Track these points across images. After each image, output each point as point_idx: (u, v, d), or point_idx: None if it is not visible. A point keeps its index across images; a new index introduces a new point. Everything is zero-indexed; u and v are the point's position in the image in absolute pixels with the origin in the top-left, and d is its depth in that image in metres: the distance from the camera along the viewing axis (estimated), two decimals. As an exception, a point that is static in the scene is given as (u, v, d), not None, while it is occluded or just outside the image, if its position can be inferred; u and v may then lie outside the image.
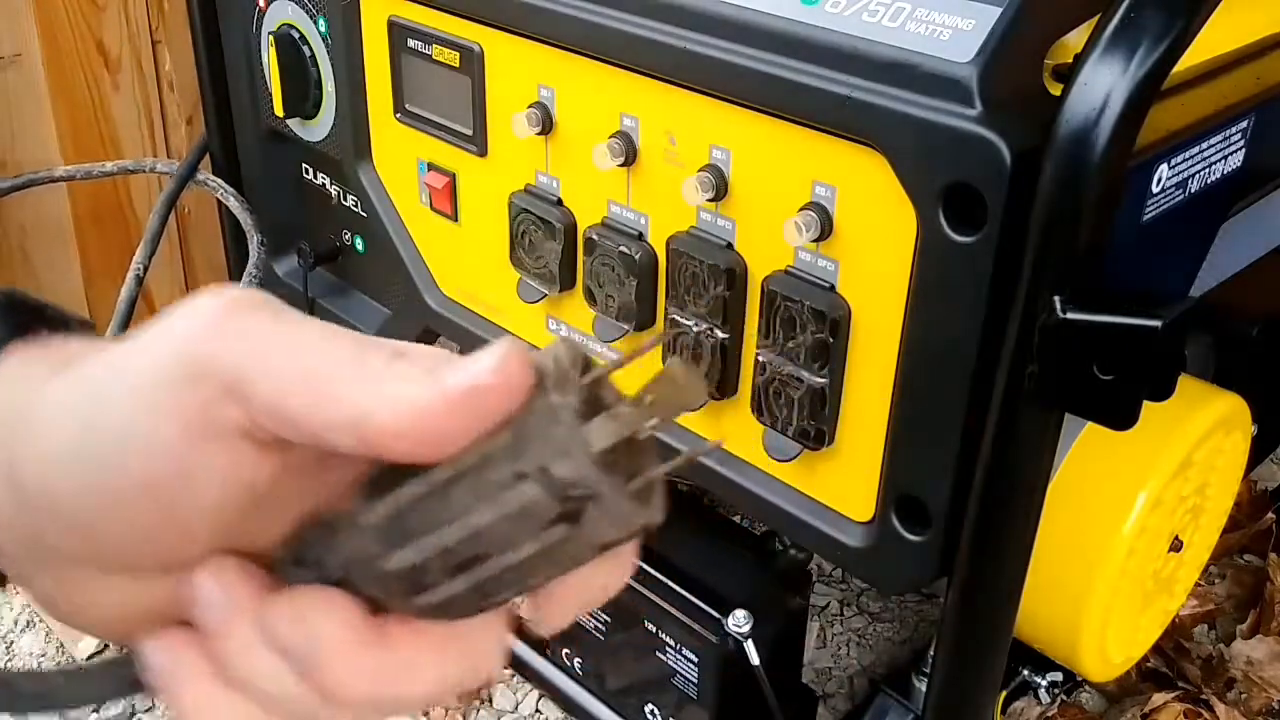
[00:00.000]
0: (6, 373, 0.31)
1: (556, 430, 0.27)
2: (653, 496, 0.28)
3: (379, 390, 0.26)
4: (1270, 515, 1.29)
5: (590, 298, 0.76)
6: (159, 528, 0.29)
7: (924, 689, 0.93)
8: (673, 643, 0.93)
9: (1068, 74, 0.53)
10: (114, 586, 0.30)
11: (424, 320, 0.93)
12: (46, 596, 0.31)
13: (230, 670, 0.29)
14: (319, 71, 0.94)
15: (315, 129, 0.97)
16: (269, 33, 0.96)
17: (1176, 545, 0.79)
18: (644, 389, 0.28)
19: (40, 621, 1.36)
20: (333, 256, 1.04)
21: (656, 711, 0.98)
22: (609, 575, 0.30)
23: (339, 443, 0.27)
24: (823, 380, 0.64)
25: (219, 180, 1.08)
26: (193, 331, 0.28)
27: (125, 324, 1.05)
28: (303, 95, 0.95)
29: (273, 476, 0.29)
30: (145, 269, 1.06)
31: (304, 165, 1.03)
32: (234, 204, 1.06)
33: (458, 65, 0.80)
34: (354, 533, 0.29)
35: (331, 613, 0.29)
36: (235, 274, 1.18)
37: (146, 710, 1.13)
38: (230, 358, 0.27)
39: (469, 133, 0.81)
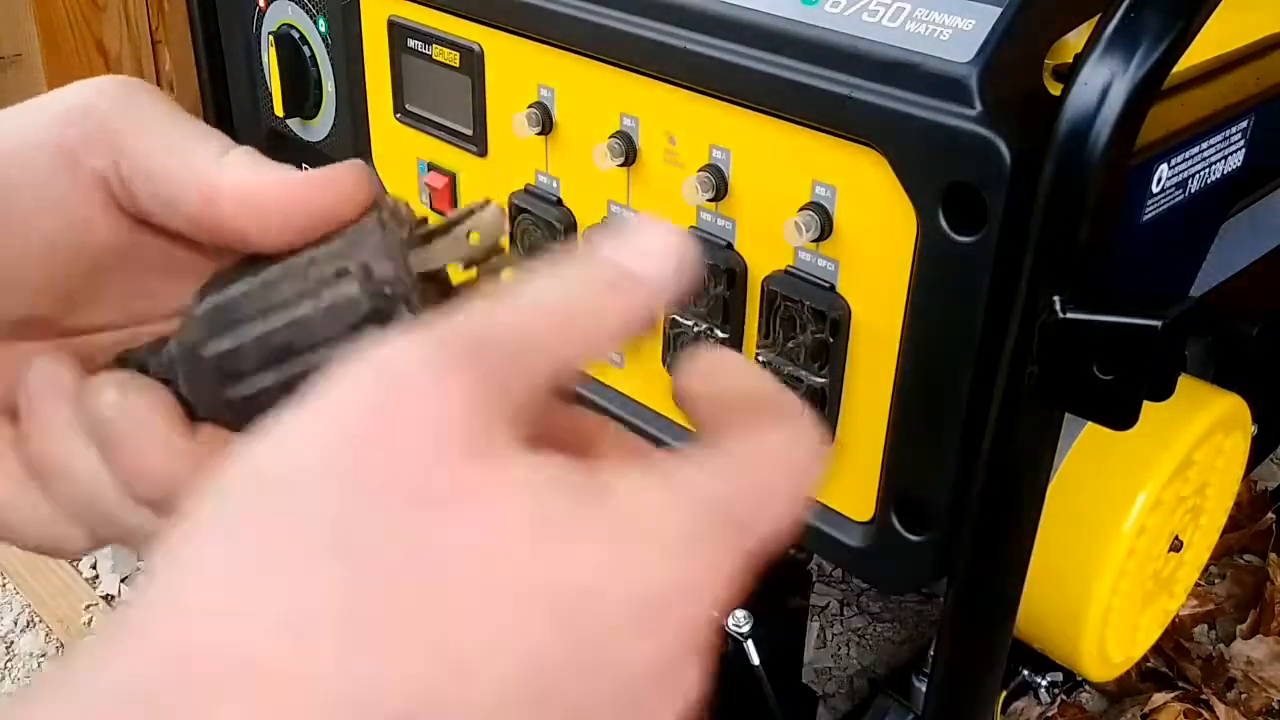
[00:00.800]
0: None
1: (382, 238, 0.29)
2: None
3: (232, 164, 0.30)
4: (1270, 515, 1.29)
5: (590, 298, 0.76)
6: None
7: (924, 689, 0.93)
8: (673, 643, 0.93)
9: (1068, 74, 0.53)
10: None
11: (424, 320, 0.93)
12: None
13: (39, 457, 0.30)
14: (319, 71, 0.94)
15: (315, 129, 0.97)
16: (269, 33, 0.96)
17: (1176, 545, 0.79)
18: (456, 229, 0.30)
19: (40, 621, 1.36)
20: (333, 256, 1.04)
21: (656, 711, 0.98)
22: None
23: (184, 203, 0.29)
24: (823, 380, 0.64)
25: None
26: (86, 88, 0.31)
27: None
28: (303, 95, 0.95)
29: (111, 247, 0.31)
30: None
31: (304, 165, 1.03)
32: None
33: (458, 65, 0.80)
34: (182, 326, 0.31)
35: (150, 393, 0.30)
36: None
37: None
38: (114, 108, 0.30)
39: (469, 133, 0.81)
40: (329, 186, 0.30)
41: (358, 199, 0.30)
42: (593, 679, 0.23)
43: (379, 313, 0.29)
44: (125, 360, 0.32)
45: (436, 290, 0.30)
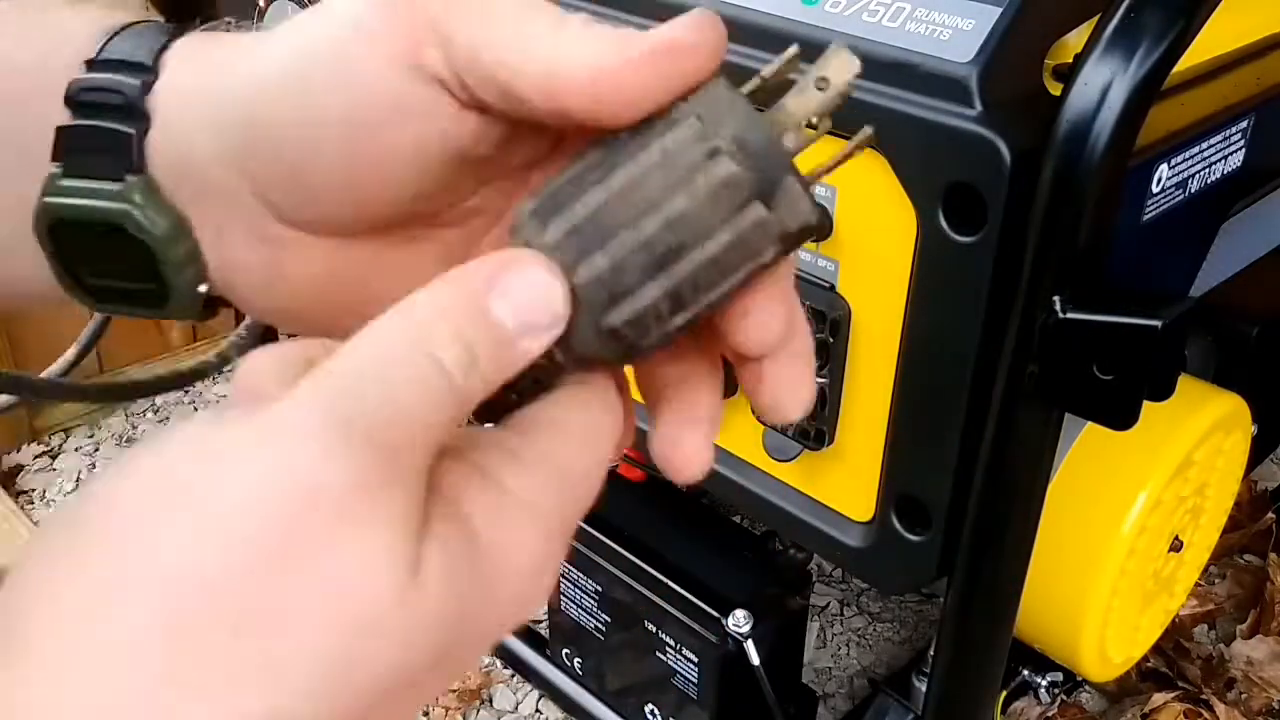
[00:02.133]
0: (193, 44, 0.32)
1: (741, 109, 0.27)
2: (814, 195, 0.28)
3: (571, 46, 0.27)
4: (1270, 515, 1.29)
5: (590, 298, 0.76)
6: (362, 167, 0.29)
7: (924, 689, 0.93)
8: (673, 643, 0.93)
9: (1068, 74, 0.53)
10: (313, 252, 0.31)
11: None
12: (247, 266, 0.32)
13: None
14: (319, 71, 0.94)
15: (315, 129, 0.97)
16: (269, 33, 0.96)
17: (1176, 545, 0.79)
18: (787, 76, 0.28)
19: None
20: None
21: (656, 711, 0.98)
22: (774, 303, 0.30)
23: (527, 97, 0.27)
24: (823, 380, 0.64)
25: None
26: None
27: (105, 321, 1.04)
28: (303, 95, 0.95)
29: (471, 137, 0.29)
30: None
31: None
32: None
33: (458, 65, 0.80)
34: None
35: None
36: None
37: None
38: (434, 3, 0.28)
39: (469, 133, 0.81)
40: (681, 59, 0.27)
41: (717, 53, 0.27)
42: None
43: (763, 186, 0.26)
44: None
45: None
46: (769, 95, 0.28)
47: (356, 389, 0.24)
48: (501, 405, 0.28)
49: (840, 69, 0.28)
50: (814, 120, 0.28)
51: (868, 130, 0.29)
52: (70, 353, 1.03)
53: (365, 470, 0.22)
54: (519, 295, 0.25)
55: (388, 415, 0.23)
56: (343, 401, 0.23)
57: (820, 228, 0.28)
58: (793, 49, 0.28)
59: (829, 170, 0.29)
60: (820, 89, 0.28)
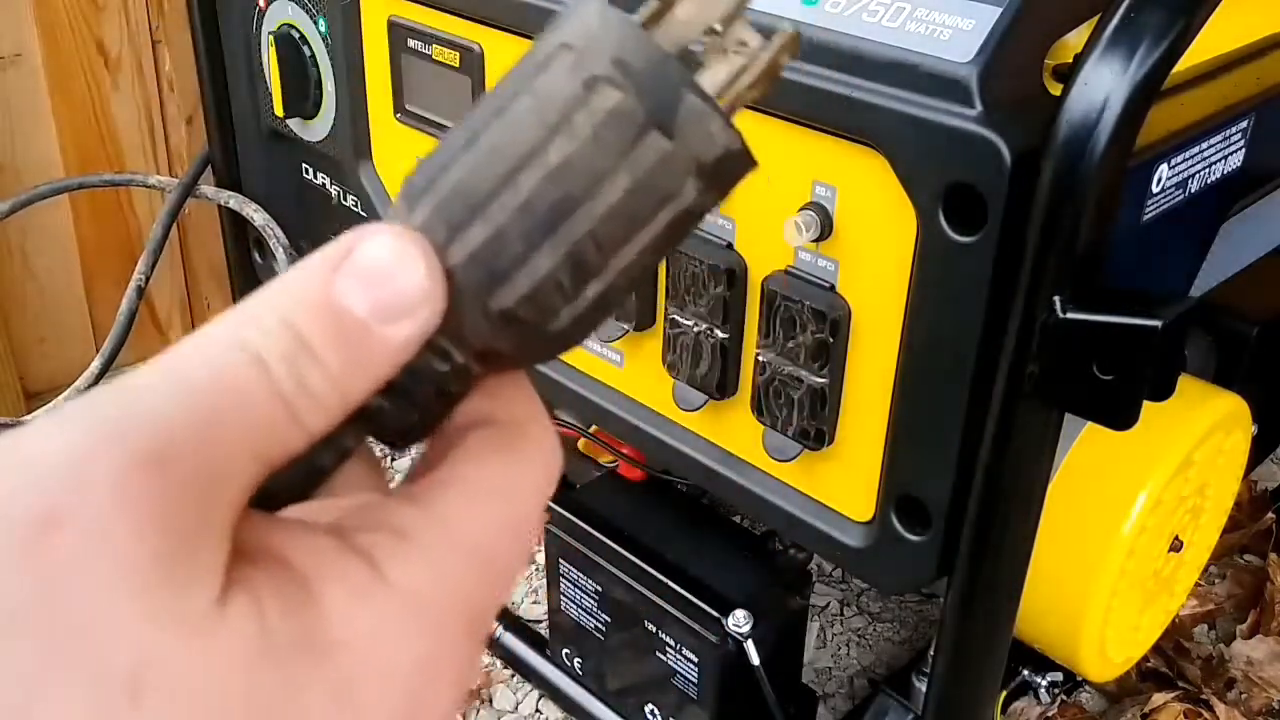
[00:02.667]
0: None
1: (619, 27, 0.22)
2: (733, 115, 0.23)
3: None
4: (1270, 515, 1.29)
5: (590, 298, 0.76)
6: None
7: (924, 689, 0.93)
8: (673, 643, 0.93)
9: (1068, 74, 0.53)
10: None
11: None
12: None
13: None
14: (319, 71, 0.94)
15: (315, 129, 0.97)
16: (269, 33, 0.96)
17: (1176, 545, 0.79)
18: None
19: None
20: (333, 256, 1.04)
21: (656, 711, 0.98)
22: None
23: None
24: (823, 380, 0.64)
25: (240, 196, 1.08)
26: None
27: (125, 334, 1.05)
28: (303, 95, 0.95)
29: None
30: (147, 279, 1.06)
31: (304, 165, 1.03)
32: (259, 219, 1.06)
33: (458, 65, 0.80)
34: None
35: None
36: (235, 276, 1.18)
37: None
38: None
39: (469, 133, 0.81)
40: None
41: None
42: None
43: (659, 112, 0.22)
44: None
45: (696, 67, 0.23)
46: (669, 2, 0.24)
47: (132, 385, 0.19)
48: (408, 427, 0.23)
49: None
50: (717, 26, 0.24)
51: (789, 32, 0.24)
52: (95, 364, 1.04)
53: (124, 479, 0.17)
54: (368, 272, 0.21)
55: (164, 410, 0.18)
56: (112, 399, 0.18)
57: (743, 154, 0.23)
58: None
59: (743, 81, 0.24)
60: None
